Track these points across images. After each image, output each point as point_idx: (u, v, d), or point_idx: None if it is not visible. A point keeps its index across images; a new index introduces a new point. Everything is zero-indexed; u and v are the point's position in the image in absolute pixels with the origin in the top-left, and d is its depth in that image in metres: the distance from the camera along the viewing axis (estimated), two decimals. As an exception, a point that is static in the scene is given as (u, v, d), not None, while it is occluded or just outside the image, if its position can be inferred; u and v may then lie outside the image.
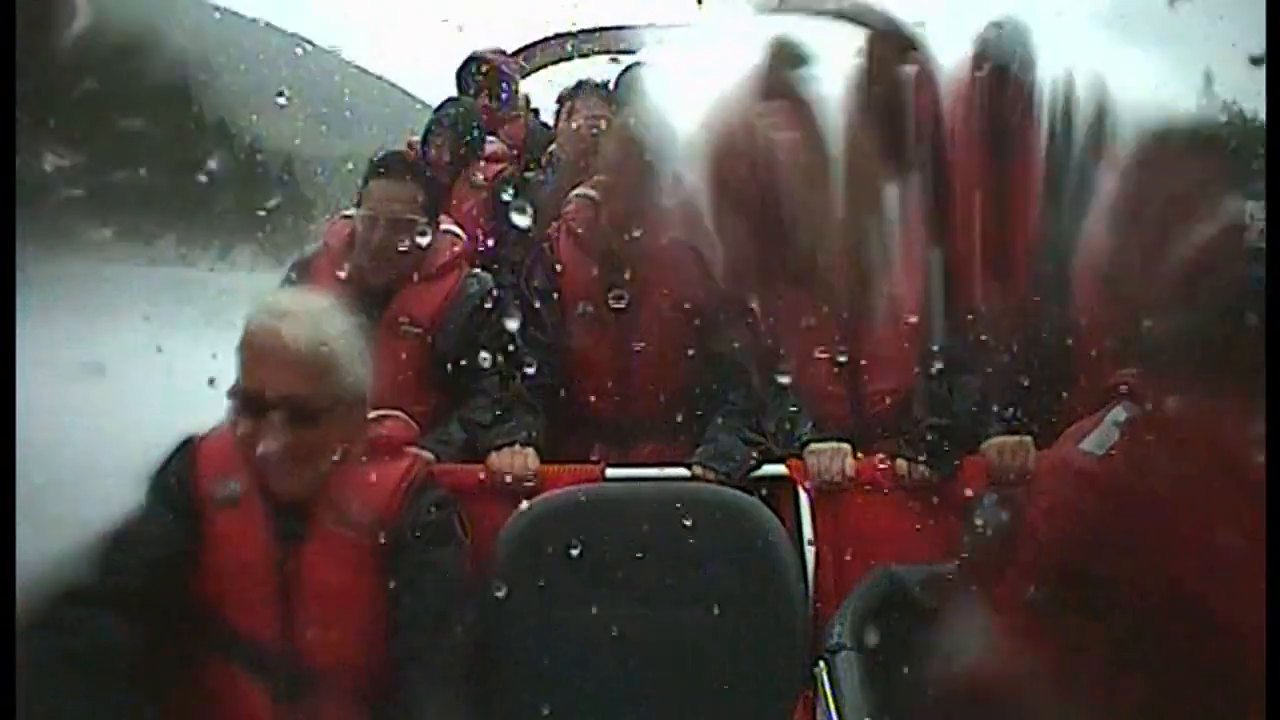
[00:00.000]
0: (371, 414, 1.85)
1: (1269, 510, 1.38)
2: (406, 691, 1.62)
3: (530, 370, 2.34)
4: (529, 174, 3.53)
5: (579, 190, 2.52)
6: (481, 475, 2.16)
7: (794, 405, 2.30)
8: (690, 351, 2.34)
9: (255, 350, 1.65)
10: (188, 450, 1.79)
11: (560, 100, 3.33)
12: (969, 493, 2.04)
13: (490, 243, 3.38)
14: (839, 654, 1.67)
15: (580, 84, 3.33)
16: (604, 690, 1.97)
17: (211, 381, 1.76)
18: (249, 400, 1.65)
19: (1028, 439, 2.11)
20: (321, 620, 1.68)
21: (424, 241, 2.38)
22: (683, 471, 2.17)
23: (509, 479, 2.13)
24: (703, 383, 2.36)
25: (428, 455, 2.11)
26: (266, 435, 1.63)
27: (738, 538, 1.97)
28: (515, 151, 3.77)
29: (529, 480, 2.13)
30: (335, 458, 1.71)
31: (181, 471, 1.76)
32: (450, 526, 1.79)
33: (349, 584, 1.70)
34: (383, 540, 1.70)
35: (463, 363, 2.39)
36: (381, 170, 2.37)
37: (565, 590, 1.99)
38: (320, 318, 1.69)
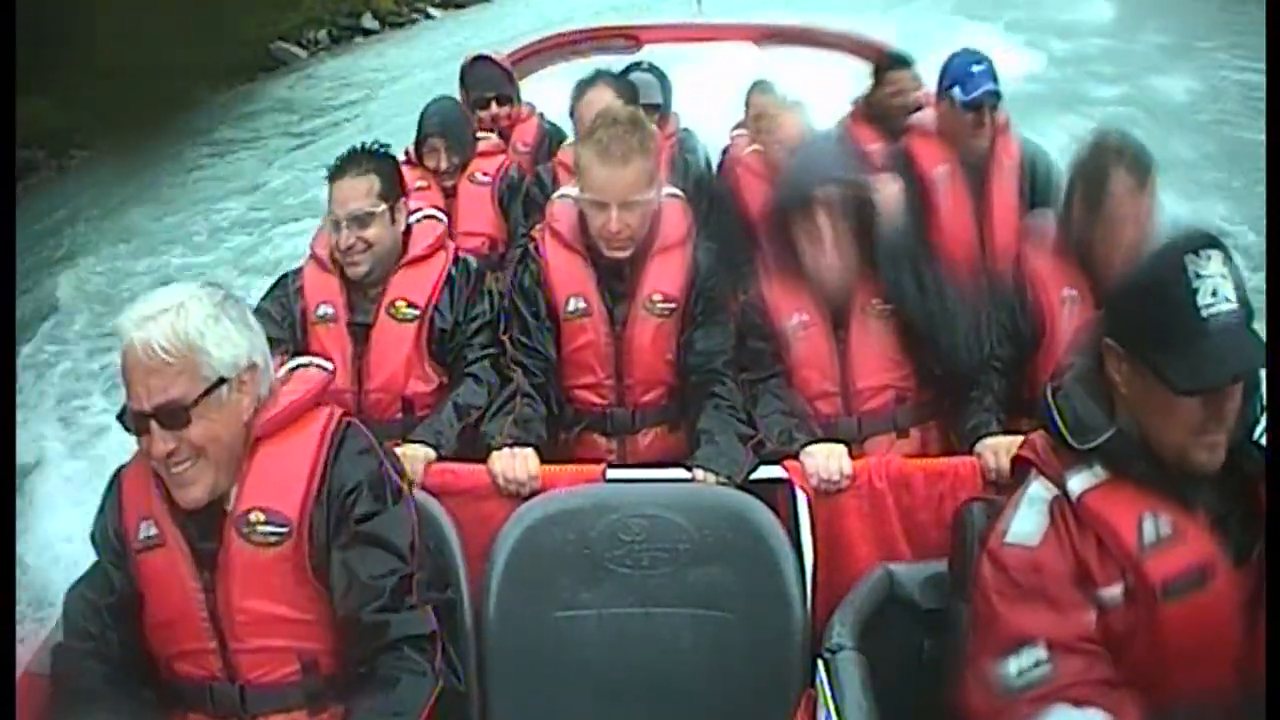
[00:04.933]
0: (279, 371, 1.77)
1: (1269, 511, 1.40)
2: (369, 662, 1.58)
3: (524, 369, 2.35)
4: (541, 168, 3.52)
5: (561, 191, 2.56)
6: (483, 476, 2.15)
7: (784, 408, 2.31)
8: (675, 348, 2.40)
9: (126, 365, 1.60)
10: (114, 485, 1.75)
11: (576, 92, 3.29)
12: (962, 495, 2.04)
13: (498, 241, 3.37)
14: (839, 654, 1.67)
15: (598, 73, 3.32)
16: (603, 691, 1.96)
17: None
18: (134, 418, 1.60)
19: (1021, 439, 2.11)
20: (259, 638, 1.64)
21: (393, 228, 2.42)
22: (682, 473, 2.17)
23: (510, 480, 2.13)
24: (687, 379, 2.39)
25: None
26: (153, 446, 1.59)
27: (737, 538, 1.97)
28: (528, 152, 3.75)
29: (530, 482, 2.13)
30: (228, 439, 1.64)
31: (110, 508, 1.72)
32: (382, 476, 1.69)
33: (280, 584, 1.63)
34: (313, 518, 1.64)
35: (454, 343, 2.43)
36: (336, 172, 2.40)
37: (564, 590, 1.99)
38: (175, 311, 1.59)
